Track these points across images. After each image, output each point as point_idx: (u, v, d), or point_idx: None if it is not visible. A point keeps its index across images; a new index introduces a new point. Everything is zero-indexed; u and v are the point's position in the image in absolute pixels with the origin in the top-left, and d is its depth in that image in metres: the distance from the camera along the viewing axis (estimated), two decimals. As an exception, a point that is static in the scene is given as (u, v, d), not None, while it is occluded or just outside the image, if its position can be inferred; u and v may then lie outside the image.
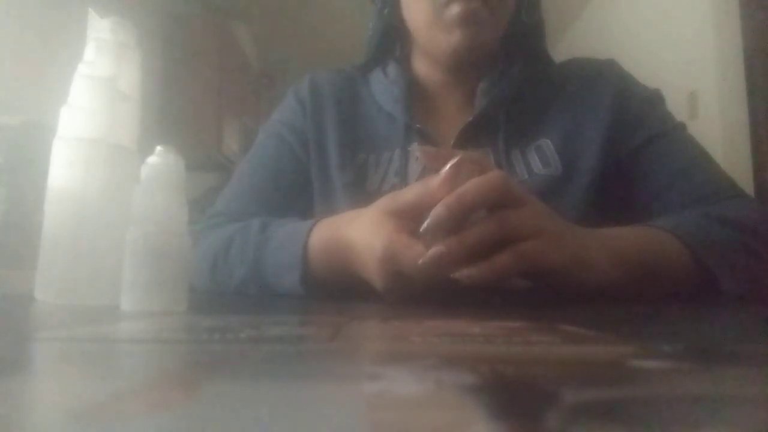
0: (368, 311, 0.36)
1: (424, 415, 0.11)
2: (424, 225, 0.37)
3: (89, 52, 0.42)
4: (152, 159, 0.35)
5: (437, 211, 0.37)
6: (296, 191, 0.66)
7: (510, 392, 0.13)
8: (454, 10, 0.57)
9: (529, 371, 0.15)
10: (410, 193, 0.41)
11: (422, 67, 0.68)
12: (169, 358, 0.18)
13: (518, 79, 0.65)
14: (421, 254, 0.37)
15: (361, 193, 0.61)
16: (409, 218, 0.41)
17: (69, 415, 0.10)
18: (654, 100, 0.64)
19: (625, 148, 0.61)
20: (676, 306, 0.41)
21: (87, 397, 0.12)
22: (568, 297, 0.42)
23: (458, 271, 0.37)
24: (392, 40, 0.70)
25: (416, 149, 0.41)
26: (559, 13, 3.34)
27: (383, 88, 0.67)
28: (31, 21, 1.77)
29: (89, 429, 0.10)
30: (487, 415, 0.10)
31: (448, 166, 0.39)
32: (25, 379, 0.15)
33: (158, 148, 0.35)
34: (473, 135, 0.62)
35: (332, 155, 0.65)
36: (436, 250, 0.36)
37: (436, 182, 0.39)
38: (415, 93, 0.67)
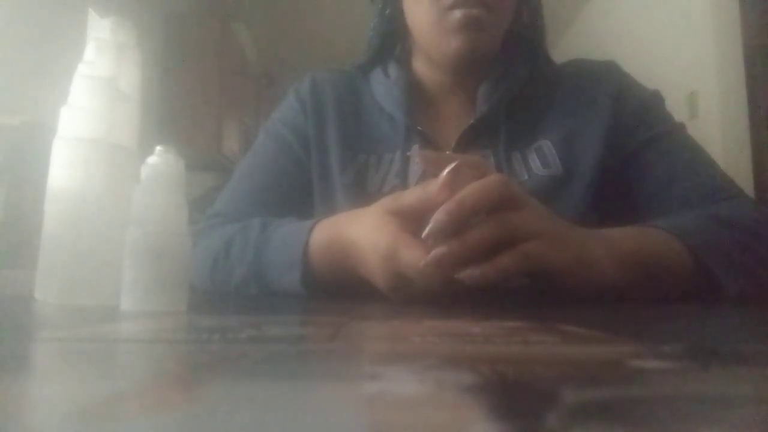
0: (368, 311, 0.36)
1: (424, 415, 0.11)
2: (426, 230, 0.37)
3: (89, 52, 0.42)
4: (152, 159, 0.35)
5: (438, 217, 0.37)
6: (296, 191, 0.66)
7: (510, 392, 0.13)
8: (457, 15, 0.57)
9: (529, 371, 0.15)
10: (410, 197, 0.41)
11: (423, 68, 0.68)
12: (169, 358, 0.18)
13: (519, 81, 0.65)
14: (423, 256, 0.37)
15: (362, 194, 0.61)
16: (410, 220, 0.41)
17: (69, 415, 0.10)
18: (653, 101, 0.64)
19: (625, 148, 0.61)
20: (676, 306, 0.41)
21: (87, 397, 0.12)
22: (568, 297, 0.42)
23: (461, 272, 0.37)
24: (393, 39, 0.70)
25: (415, 153, 0.41)
26: (559, 13, 3.34)
27: (384, 89, 0.67)
28: (31, 21, 1.76)
29: (89, 429, 0.10)
30: (487, 415, 0.10)
31: (446, 171, 0.39)
32: (25, 379, 0.15)
33: (158, 148, 0.35)
34: (474, 137, 0.62)
35: (333, 156, 0.65)
36: (437, 251, 0.36)
37: (436, 186, 0.39)
38: (415, 94, 0.67)
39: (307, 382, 0.14)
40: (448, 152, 0.61)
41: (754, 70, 2.01)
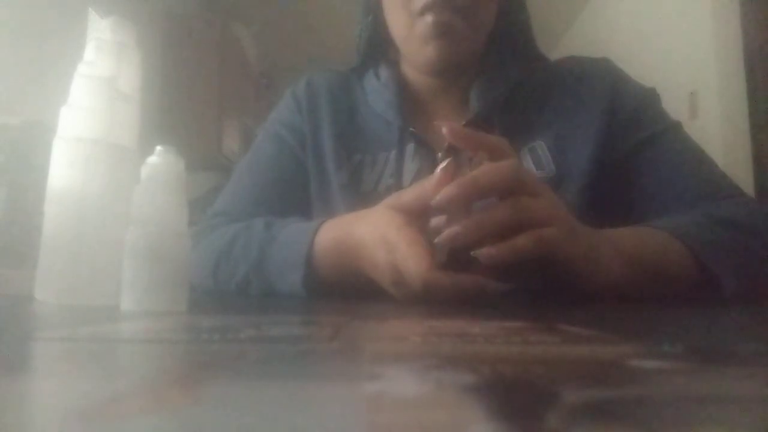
0: (368, 311, 0.36)
1: (424, 415, 0.11)
2: (436, 198, 0.37)
3: (89, 52, 0.42)
4: (152, 159, 0.35)
5: (449, 189, 0.37)
6: (295, 190, 0.66)
7: (510, 392, 0.13)
8: (428, 20, 0.57)
9: (529, 371, 0.15)
10: (408, 195, 0.43)
11: (412, 71, 0.68)
12: (169, 358, 0.18)
13: (511, 81, 0.64)
14: (420, 256, 0.37)
15: (357, 193, 0.61)
16: (413, 216, 0.42)
17: (69, 415, 0.10)
18: (649, 99, 0.64)
19: (621, 149, 0.60)
20: (676, 306, 0.41)
21: (87, 397, 0.12)
22: (569, 297, 0.43)
23: (478, 251, 0.37)
24: (383, 42, 0.70)
25: (441, 123, 0.41)
26: (558, 13, 3.33)
27: (376, 92, 0.67)
28: (31, 21, 1.76)
29: (89, 429, 0.10)
30: (487, 415, 0.10)
31: (439, 168, 0.40)
32: (25, 379, 0.15)
33: (158, 148, 0.35)
34: None
35: (328, 155, 0.65)
36: (452, 230, 0.36)
37: (431, 183, 0.40)
38: (407, 95, 0.67)
39: (307, 382, 0.14)
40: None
41: (754, 70, 2.01)
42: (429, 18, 0.57)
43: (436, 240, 0.37)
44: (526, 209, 0.38)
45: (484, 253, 0.37)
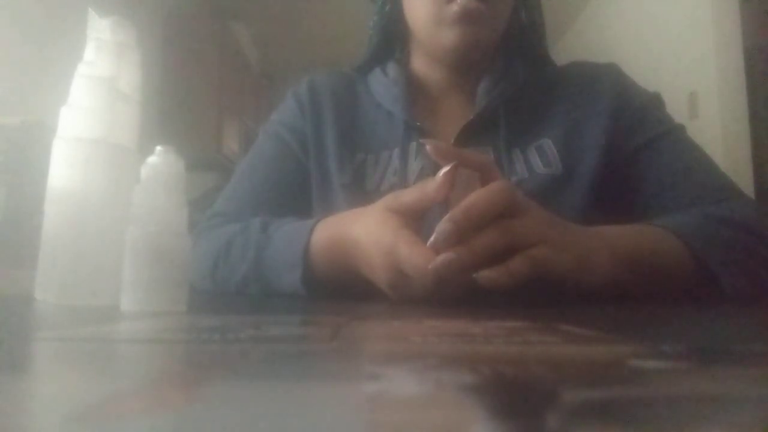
0: (368, 311, 0.36)
1: (424, 415, 0.11)
2: (431, 239, 0.38)
3: (89, 52, 0.42)
4: (152, 159, 0.35)
5: (444, 227, 0.37)
6: (295, 191, 0.66)
7: (510, 392, 0.13)
8: (455, 7, 0.57)
9: (529, 371, 0.15)
10: (409, 196, 0.42)
11: (422, 67, 0.68)
12: (169, 358, 0.18)
13: (519, 79, 0.65)
14: (424, 255, 0.37)
15: (360, 193, 0.61)
16: (411, 217, 0.41)
17: (69, 415, 0.10)
18: (653, 103, 0.65)
19: (625, 149, 0.61)
20: (676, 306, 0.41)
21: (87, 397, 0.12)
22: (569, 297, 0.43)
23: (476, 274, 0.37)
24: (392, 40, 0.70)
25: (426, 141, 0.42)
26: (558, 13, 3.34)
27: (383, 88, 0.67)
28: (31, 21, 1.77)
29: (89, 429, 0.10)
30: (487, 415, 0.10)
31: (442, 171, 0.40)
32: (25, 379, 0.15)
33: (158, 148, 0.35)
34: (474, 134, 0.62)
35: (331, 155, 0.65)
36: (446, 256, 0.37)
37: (434, 185, 0.40)
38: (414, 92, 0.67)
39: (307, 382, 0.14)
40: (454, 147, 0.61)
41: (754, 70, 2.01)
42: (456, 5, 0.57)
43: (430, 266, 0.37)
44: (516, 231, 0.39)
45: (485, 276, 0.37)
